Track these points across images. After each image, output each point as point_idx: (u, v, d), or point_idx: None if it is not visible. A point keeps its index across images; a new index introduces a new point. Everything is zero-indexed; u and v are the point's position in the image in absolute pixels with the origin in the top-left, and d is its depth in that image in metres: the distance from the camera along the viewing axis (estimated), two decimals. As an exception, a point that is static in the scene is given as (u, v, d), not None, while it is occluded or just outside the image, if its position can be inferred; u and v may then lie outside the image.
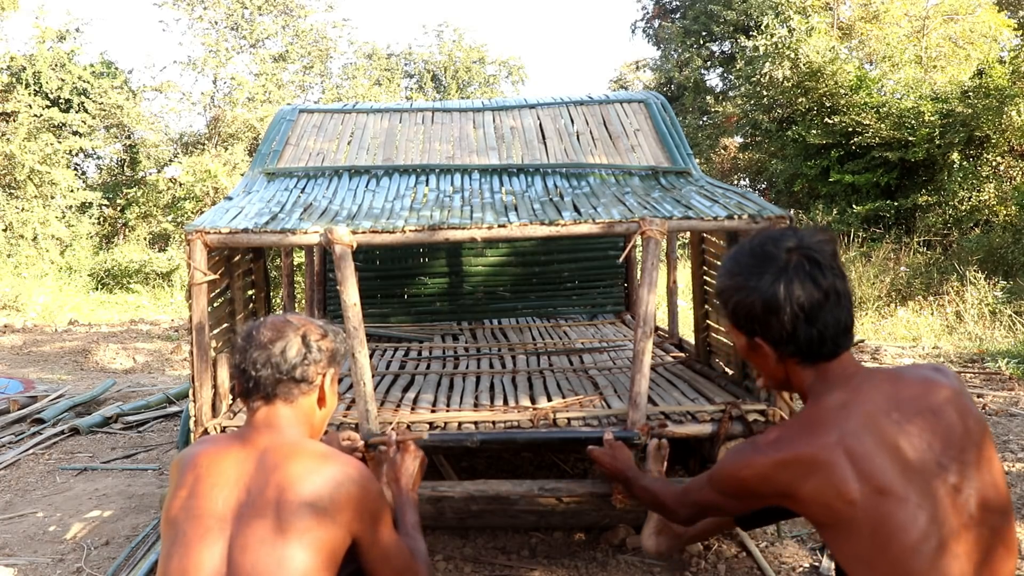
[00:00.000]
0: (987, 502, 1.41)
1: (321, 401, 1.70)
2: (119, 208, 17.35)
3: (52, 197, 15.65)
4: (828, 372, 1.51)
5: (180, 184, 15.83)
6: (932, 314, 8.64)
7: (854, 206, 12.21)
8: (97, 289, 14.45)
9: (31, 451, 4.51)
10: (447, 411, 3.00)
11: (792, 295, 1.46)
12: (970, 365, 6.51)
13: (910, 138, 11.73)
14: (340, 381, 3.48)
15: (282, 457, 1.53)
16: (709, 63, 20.69)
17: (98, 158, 18.84)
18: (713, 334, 3.65)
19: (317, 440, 1.73)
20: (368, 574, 1.63)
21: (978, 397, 5.33)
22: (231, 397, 3.04)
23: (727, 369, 3.47)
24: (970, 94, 11.32)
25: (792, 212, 2.81)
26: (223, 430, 2.79)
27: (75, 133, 16.18)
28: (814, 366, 1.51)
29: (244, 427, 1.65)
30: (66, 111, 16.21)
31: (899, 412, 1.44)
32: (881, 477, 1.38)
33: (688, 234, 4.39)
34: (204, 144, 17.57)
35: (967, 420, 1.45)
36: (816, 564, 2.82)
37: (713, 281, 2.83)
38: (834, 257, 1.50)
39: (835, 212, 12.38)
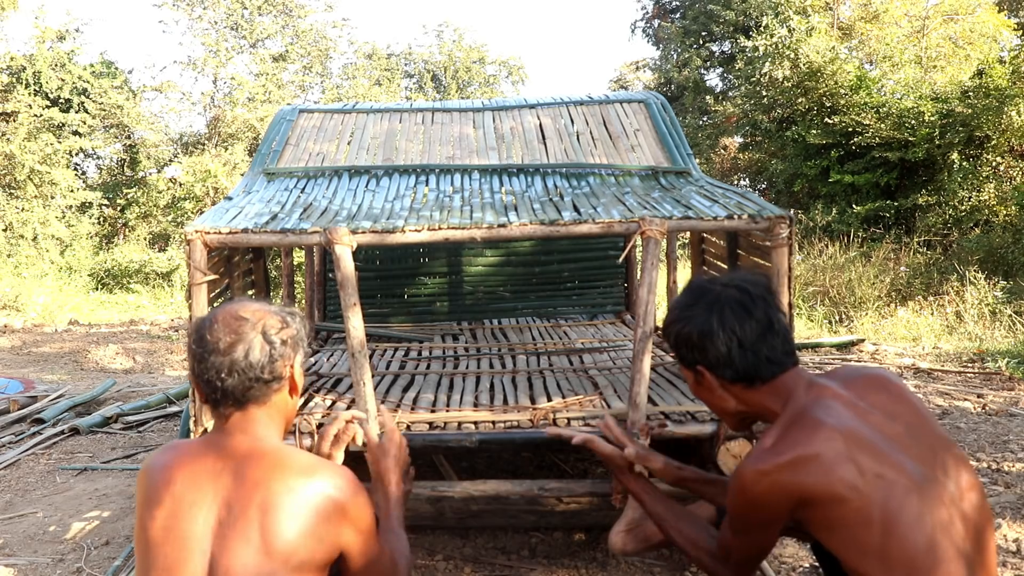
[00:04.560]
0: (960, 480, 1.48)
1: (293, 390, 1.64)
2: (119, 208, 17.34)
3: (52, 197, 15.65)
4: (785, 383, 1.59)
5: (180, 184, 15.84)
6: (932, 314, 8.64)
7: (854, 206, 12.20)
8: (97, 289, 14.45)
9: (31, 451, 4.51)
10: (447, 411, 3.00)
11: (725, 322, 1.59)
12: (970, 365, 6.51)
13: (910, 138, 11.72)
14: (339, 382, 3.51)
15: (263, 472, 1.47)
16: (709, 63, 20.69)
17: (98, 158, 18.84)
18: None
19: (292, 424, 1.69)
20: None
21: (978, 397, 5.33)
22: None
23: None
24: (970, 94, 11.31)
25: (792, 212, 2.80)
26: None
27: (75, 133, 16.16)
28: (766, 384, 1.60)
29: (215, 433, 1.57)
30: (66, 111, 16.19)
31: (864, 402, 1.53)
32: (875, 462, 1.44)
33: (688, 234, 4.40)
34: (204, 144, 17.56)
35: (921, 407, 1.56)
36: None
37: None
38: (768, 292, 1.63)
39: (835, 212, 12.37)
